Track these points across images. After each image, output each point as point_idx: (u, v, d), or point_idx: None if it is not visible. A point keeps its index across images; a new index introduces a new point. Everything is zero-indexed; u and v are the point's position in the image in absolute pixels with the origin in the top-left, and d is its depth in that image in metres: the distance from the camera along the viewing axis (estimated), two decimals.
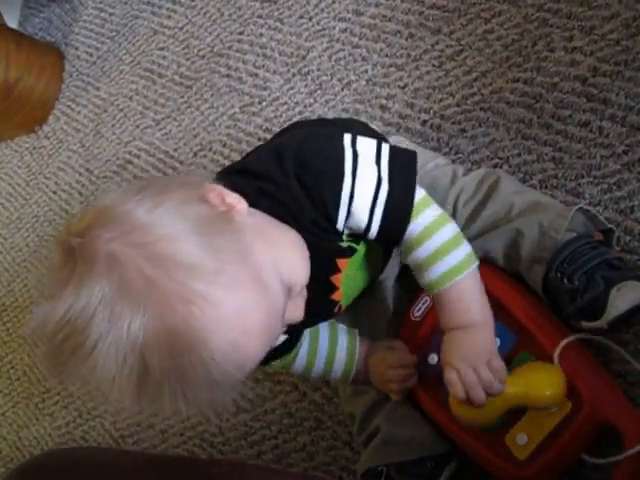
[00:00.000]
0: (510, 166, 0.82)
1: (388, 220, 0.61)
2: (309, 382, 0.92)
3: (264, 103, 1.13)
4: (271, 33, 1.16)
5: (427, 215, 0.63)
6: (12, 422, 1.33)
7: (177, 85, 1.29)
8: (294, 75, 1.10)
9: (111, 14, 1.51)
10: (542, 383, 0.63)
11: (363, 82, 1.00)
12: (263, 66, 1.15)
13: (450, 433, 0.71)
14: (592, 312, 0.64)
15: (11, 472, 0.73)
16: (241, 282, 0.50)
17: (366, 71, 1.01)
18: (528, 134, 0.82)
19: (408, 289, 0.81)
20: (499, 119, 0.85)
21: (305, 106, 1.06)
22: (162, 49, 1.35)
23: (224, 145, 1.16)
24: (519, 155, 0.81)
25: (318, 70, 1.07)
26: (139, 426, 1.11)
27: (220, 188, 0.55)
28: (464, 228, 0.70)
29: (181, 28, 1.33)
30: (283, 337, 0.71)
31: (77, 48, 1.55)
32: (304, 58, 1.10)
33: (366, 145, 0.63)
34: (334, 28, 1.07)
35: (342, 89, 1.03)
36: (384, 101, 0.97)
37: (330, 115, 1.02)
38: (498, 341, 0.64)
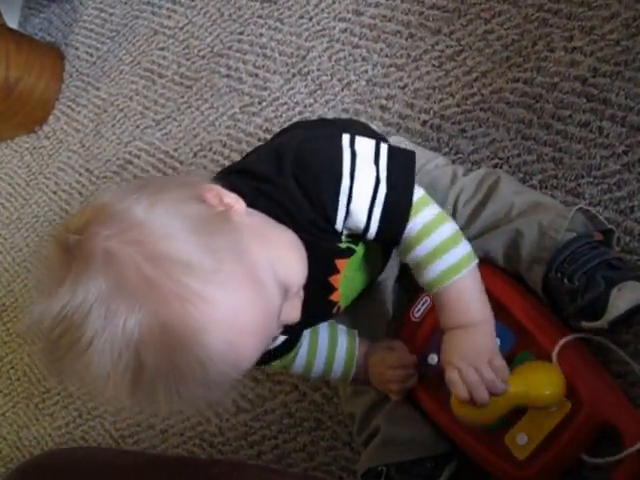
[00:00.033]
0: (510, 166, 0.82)
1: (387, 220, 0.61)
2: (309, 382, 0.92)
3: (264, 103, 1.13)
4: (271, 33, 1.16)
5: (426, 214, 0.63)
6: (12, 422, 1.33)
7: (177, 85, 1.29)
8: (294, 75, 1.10)
9: (111, 14, 1.51)
10: (542, 383, 0.63)
11: (363, 82, 1.00)
12: (263, 66, 1.15)
13: (450, 433, 0.71)
14: (592, 312, 0.64)
15: (11, 472, 0.73)
16: (238, 281, 0.50)
17: (366, 71, 1.01)
18: (528, 134, 0.82)
19: (408, 289, 0.81)
20: (499, 119, 0.85)
21: (305, 106, 1.06)
22: (162, 49, 1.35)
23: (224, 145, 1.16)
24: (519, 155, 0.81)
25: (318, 70, 1.07)
26: (139, 426, 1.11)
27: (218, 188, 0.55)
28: (464, 228, 0.70)
29: (181, 28, 1.33)
30: (283, 337, 0.71)
31: (77, 48, 1.55)
32: (304, 58, 1.10)
33: (364, 145, 0.63)
34: (334, 28, 1.07)
35: (342, 89, 1.03)
36: (384, 101, 0.97)
37: (330, 115, 1.02)
38: (498, 341, 0.64)
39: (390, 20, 1.00)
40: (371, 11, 1.03)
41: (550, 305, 0.69)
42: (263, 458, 0.94)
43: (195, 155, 1.20)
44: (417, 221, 0.62)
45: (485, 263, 0.68)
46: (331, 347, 0.76)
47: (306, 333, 0.75)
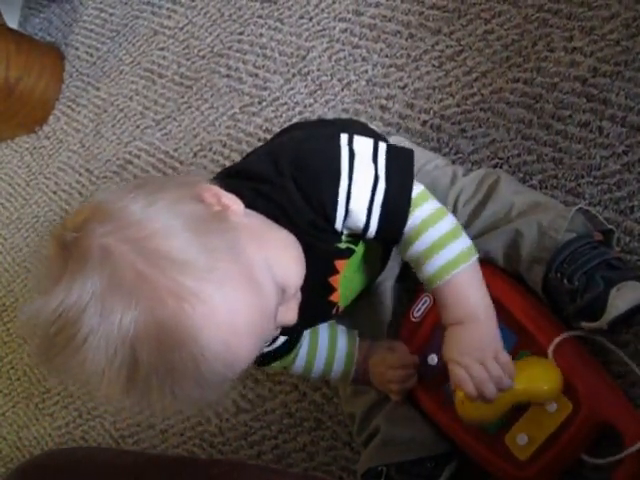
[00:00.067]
0: (510, 166, 0.82)
1: (386, 218, 0.61)
2: (309, 382, 0.92)
3: (264, 103, 1.13)
4: (271, 33, 1.16)
5: (425, 208, 0.62)
6: (12, 422, 1.33)
7: (177, 85, 1.29)
8: (294, 75, 1.10)
9: (111, 14, 1.51)
10: (539, 378, 0.63)
11: (363, 82, 1.00)
12: (263, 66, 1.15)
13: (450, 433, 0.71)
14: (592, 312, 0.64)
15: (11, 472, 0.73)
16: (234, 281, 0.50)
17: (366, 71, 1.01)
18: (528, 134, 0.82)
19: (408, 290, 0.81)
20: (499, 119, 0.85)
21: (305, 106, 1.06)
22: (162, 49, 1.35)
23: (224, 145, 1.16)
24: (519, 155, 0.81)
25: (318, 70, 1.07)
26: (139, 426, 1.11)
27: (216, 188, 0.55)
28: (464, 228, 0.70)
29: (181, 28, 1.33)
30: (283, 338, 0.71)
31: (77, 48, 1.55)
32: (304, 58, 1.10)
33: (363, 144, 0.63)
34: (334, 28, 1.07)
35: (342, 89, 1.03)
36: (384, 101, 0.97)
37: (330, 115, 1.02)
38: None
39: (390, 20, 1.00)
40: (371, 11, 1.03)
41: (550, 305, 0.69)
42: (263, 458, 0.94)
43: (195, 155, 1.20)
44: (416, 216, 0.62)
45: (485, 263, 0.68)
46: (331, 348, 0.76)
47: (306, 334, 0.75)
